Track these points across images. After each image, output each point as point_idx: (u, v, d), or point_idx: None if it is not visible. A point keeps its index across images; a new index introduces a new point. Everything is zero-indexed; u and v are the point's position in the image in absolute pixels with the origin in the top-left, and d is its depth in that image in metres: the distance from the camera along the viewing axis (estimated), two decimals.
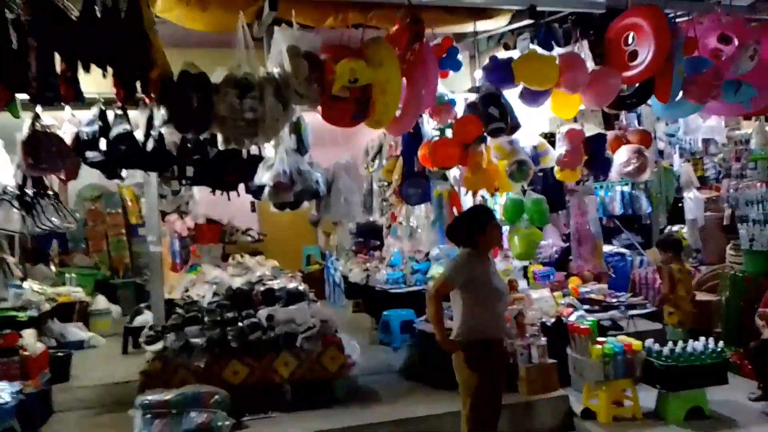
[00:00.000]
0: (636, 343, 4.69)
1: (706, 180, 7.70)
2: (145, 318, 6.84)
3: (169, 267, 9.42)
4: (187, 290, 6.81)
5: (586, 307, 5.35)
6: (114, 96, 3.92)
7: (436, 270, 6.26)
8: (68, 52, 3.55)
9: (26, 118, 4.26)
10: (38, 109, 4.23)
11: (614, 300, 5.50)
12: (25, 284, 6.77)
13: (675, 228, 7.10)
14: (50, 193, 4.91)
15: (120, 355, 6.50)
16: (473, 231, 3.56)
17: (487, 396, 3.51)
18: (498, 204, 5.22)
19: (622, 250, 7.07)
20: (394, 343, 5.81)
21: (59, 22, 3.45)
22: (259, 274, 7.15)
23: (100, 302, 7.99)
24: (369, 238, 9.36)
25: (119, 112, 4.50)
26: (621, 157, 5.11)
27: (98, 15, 3.44)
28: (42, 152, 3.89)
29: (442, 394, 4.78)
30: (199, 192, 7.64)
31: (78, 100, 3.76)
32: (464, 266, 3.53)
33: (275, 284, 5.73)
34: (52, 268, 8.84)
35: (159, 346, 4.59)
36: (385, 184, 7.32)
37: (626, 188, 6.67)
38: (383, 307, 6.42)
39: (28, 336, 4.95)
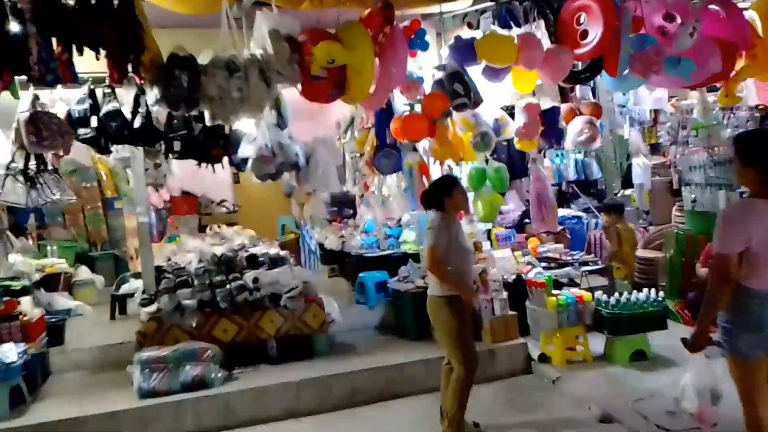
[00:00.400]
0: (586, 295, 5.24)
1: (659, 147, 8.27)
2: (131, 286, 7.17)
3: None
4: (169, 259, 7.14)
5: (544, 264, 5.86)
6: (102, 75, 4.23)
7: (408, 235, 6.71)
8: (66, 37, 3.83)
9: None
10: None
11: (569, 258, 6.04)
12: (11, 257, 7.01)
13: (627, 192, 7.68)
14: (51, 168, 5.18)
15: (108, 321, 6.82)
16: (441, 195, 4.00)
17: (469, 336, 4.02)
18: (463, 173, 5.66)
19: (579, 213, 7.62)
20: (369, 303, 6.25)
21: (57, 9, 3.72)
22: (239, 243, 7.51)
23: (83, 273, 8.24)
24: (343, 207, 9.75)
25: (108, 90, 4.78)
26: (574, 127, 5.59)
27: (93, 2, 3.73)
28: (44, 130, 4.17)
29: (414, 344, 5.30)
30: (177, 166, 7.90)
31: (74, 81, 4.07)
32: (442, 231, 3.92)
33: (257, 251, 6.12)
34: (30, 241, 9.03)
35: (153, 308, 4.96)
36: (357, 155, 7.69)
37: (579, 156, 7.17)
38: (358, 271, 6.85)
39: (26, 303, 5.26)
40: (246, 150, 4.90)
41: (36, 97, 4.40)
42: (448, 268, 3.90)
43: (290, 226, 11.81)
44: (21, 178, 4.87)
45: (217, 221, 10.66)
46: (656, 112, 7.72)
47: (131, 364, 4.71)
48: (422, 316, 5.27)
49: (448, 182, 4.14)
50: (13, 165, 4.87)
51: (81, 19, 3.72)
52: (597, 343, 5.28)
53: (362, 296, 6.41)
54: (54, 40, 3.85)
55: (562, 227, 6.71)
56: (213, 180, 10.59)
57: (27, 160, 4.90)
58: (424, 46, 4.58)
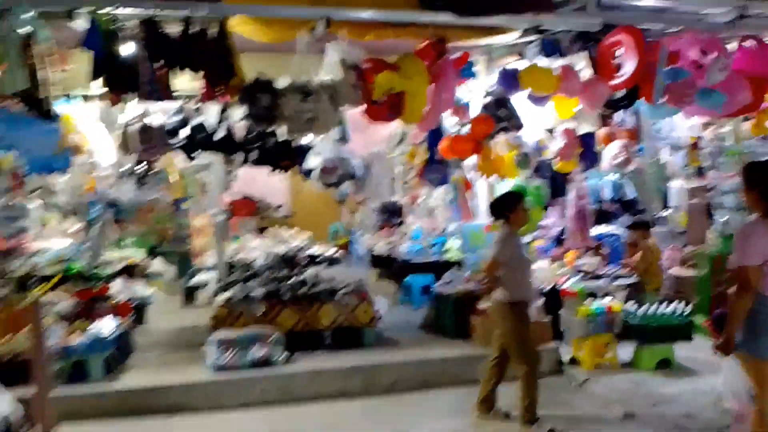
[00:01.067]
0: (616, 305, 5.67)
1: (703, 170, 8.57)
2: (200, 278, 7.97)
3: (206, 236, 10.61)
4: (234, 256, 7.90)
5: (579, 276, 6.31)
6: (190, 93, 4.98)
7: (452, 243, 7.26)
8: (170, 62, 4.59)
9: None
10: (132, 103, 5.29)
11: (603, 271, 6.46)
12: None
13: (665, 213, 8.01)
14: (154, 170, 6.00)
15: (179, 308, 7.62)
16: (505, 209, 4.42)
17: (530, 337, 4.43)
18: (504, 188, 6.17)
19: (617, 231, 8.00)
20: (414, 304, 6.82)
21: (164, 39, 4.49)
22: (296, 244, 8.23)
23: (156, 265, 9.11)
24: (391, 215, 10.37)
25: (196, 106, 5.55)
26: (611, 150, 6.05)
27: (193, 33, 4.47)
28: (153, 139, 4.95)
29: (454, 342, 5.83)
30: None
31: (171, 98, 4.83)
32: (506, 244, 4.34)
33: (315, 251, 6.79)
34: None
35: (226, 296, 5.67)
36: (407, 167, 8.31)
37: (615, 177, 7.57)
38: (404, 275, 7.44)
39: (115, 287, 6.06)
40: (312, 162, 5.57)
41: (145, 112, 5.18)
42: (511, 276, 4.28)
43: (341, 232, 12.54)
44: (134, 178, 5.68)
45: (273, 224, 11.47)
46: (698, 137, 8.04)
47: (204, 344, 5.41)
48: (462, 317, 5.85)
49: (512, 199, 4.51)
50: (125, 167, 5.68)
51: (183, 48, 4.46)
52: (626, 351, 5.68)
53: (407, 297, 6.99)
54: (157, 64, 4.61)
55: (598, 242, 7.12)
56: (270, 186, 11.49)
57: (137, 163, 5.71)
58: (472, 75, 5.15)
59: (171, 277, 9.24)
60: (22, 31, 4.38)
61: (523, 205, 4.51)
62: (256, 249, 8.13)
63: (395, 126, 8.78)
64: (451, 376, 5.39)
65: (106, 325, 5.27)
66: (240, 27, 5.17)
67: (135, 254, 8.76)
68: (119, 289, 6.13)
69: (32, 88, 4.47)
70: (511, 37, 5.79)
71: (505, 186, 6.11)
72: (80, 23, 4.59)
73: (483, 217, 6.63)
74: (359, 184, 5.99)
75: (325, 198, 11.35)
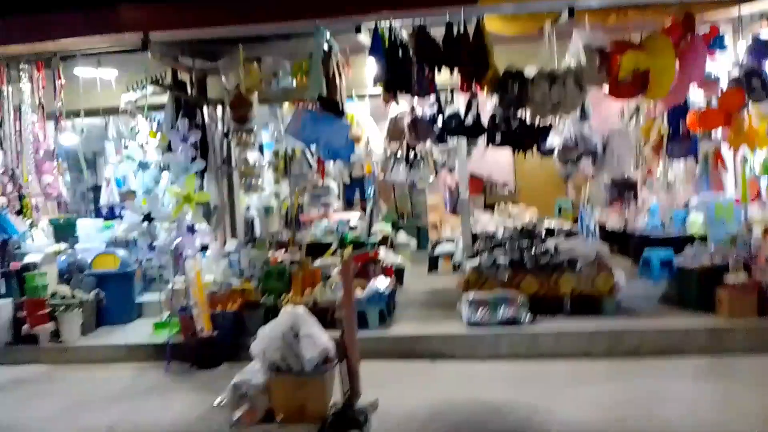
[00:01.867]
0: None
1: None
2: (443, 248, 8.95)
3: (441, 212, 11.65)
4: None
5: None
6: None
7: (696, 217, 7.12)
8: (436, 62, 5.42)
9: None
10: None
11: None
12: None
13: None
14: (421, 156, 7.08)
15: (426, 274, 8.67)
16: None
17: None
18: (756, 160, 5.98)
19: None
20: (653, 278, 6.92)
21: (432, 44, 5.32)
22: (529, 219, 8.76)
23: (402, 237, 10.37)
24: (623, 189, 10.28)
25: (449, 98, 6.37)
26: None
27: (457, 37, 5.23)
28: (420, 130, 5.90)
29: (696, 314, 5.88)
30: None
31: (435, 92, 5.68)
32: None
33: (552, 224, 7.25)
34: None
35: (475, 263, 6.45)
36: (642, 142, 8.25)
37: None
38: (641, 250, 7.49)
39: (383, 252, 7.22)
40: (554, 140, 6.03)
41: (414, 107, 6.15)
42: None
43: (567, 208, 12.69)
44: (404, 163, 6.80)
45: (499, 200, 12.11)
46: None
47: (455, 303, 6.25)
48: (707, 290, 5.87)
49: None
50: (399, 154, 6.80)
51: (448, 50, 5.24)
52: None
53: (646, 271, 7.09)
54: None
55: None
56: (496, 164, 12.11)
57: (408, 150, 6.78)
58: (723, 48, 5.14)
59: (413, 247, 10.45)
60: (322, 47, 5.57)
61: None
62: (490, 223, 8.87)
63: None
64: (695, 346, 5.47)
65: (380, 284, 6.39)
66: (489, 23, 5.83)
67: (385, 228, 10.10)
68: (383, 256, 7.29)
69: (329, 93, 5.66)
70: (762, 5, 5.58)
71: (757, 158, 5.92)
72: (362, 37, 5.66)
73: (731, 190, 6.46)
74: (599, 161, 6.28)
75: (550, 174, 11.65)
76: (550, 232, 6.84)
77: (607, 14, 5.54)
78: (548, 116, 5.32)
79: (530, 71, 5.28)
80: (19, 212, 6.99)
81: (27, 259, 6.69)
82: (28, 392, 5.49)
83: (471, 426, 4.25)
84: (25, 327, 6.21)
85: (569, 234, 6.74)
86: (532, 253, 6.36)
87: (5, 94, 6.78)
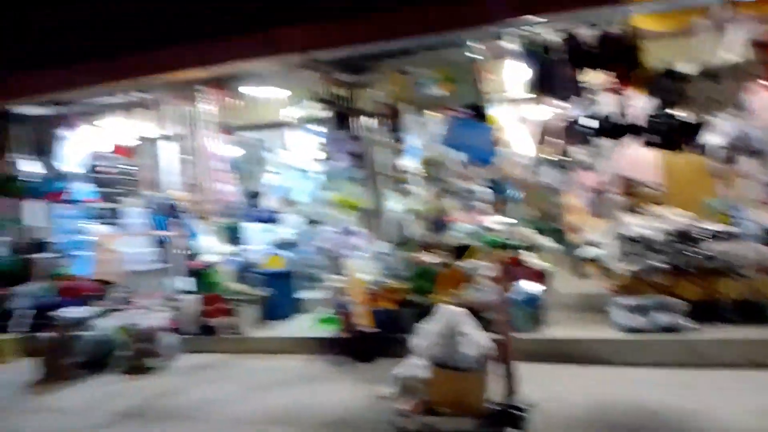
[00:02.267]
0: None
1: None
2: (587, 251, 8.79)
3: (581, 214, 11.37)
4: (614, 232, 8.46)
5: None
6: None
7: None
8: (582, 65, 5.46)
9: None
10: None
11: None
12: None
13: None
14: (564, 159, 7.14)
15: (570, 277, 8.56)
16: None
17: None
18: None
19: None
20: None
21: (581, 48, 5.36)
22: (682, 220, 8.33)
23: (543, 239, 10.29)
24: None
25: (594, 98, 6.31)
26: None
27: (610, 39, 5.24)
28: (574, 133, 5.98)
29: None
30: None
31: (581, 95, 5.70)
32: None
33: (706, 226, 6.90)
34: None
35: (628, 267, 6.32)
36: None
37: None
38: None
39: (527, 256, 7.29)
40: (708, 138, 5.80)
41: (565, 110, 6.21)
42: None
43: (721, 209, 11.81)
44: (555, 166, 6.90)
45: (641, 201, 11.57)
46: None
47: (606, 307, 6.16)
48: None
49: None
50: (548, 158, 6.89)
51: (599, 52, 5.26)
52: None
53: None
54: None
55: None
56: (641, 164, 11.58)
57: (559, 153, 6.87)
58: None
59: (555, 249, 10.32)
60: (469, 56, 5.82)
61: None
62: (637, 225, 8.55)
63: None
64: None
65: (530, 286, 6.46)
66: (638, 20, 5.74)
67: (528, 230, 10.08)
68: (527, 258, 7.35)
69: (476, 99, 5.88)
70: None
71: None
72: (504, 43, 5.82)
73: None
74: (761, 158, 5.92)
75: (697, 173, 10.94)
76: (706, 234, 6.51)
77: (764, 2, 5.22)
78: (706, 113, 5.13)
79: (688, 68, 5.13)
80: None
81: (203, 259, 7.57)
82: (213, 376, 6.26)
83: (633, 429, 4.26)
84: (205, 319, 7.03)
85: (728, 236, 6.37)
86: (692, 256, 6.13)
87: (188, 113, 7.73)
